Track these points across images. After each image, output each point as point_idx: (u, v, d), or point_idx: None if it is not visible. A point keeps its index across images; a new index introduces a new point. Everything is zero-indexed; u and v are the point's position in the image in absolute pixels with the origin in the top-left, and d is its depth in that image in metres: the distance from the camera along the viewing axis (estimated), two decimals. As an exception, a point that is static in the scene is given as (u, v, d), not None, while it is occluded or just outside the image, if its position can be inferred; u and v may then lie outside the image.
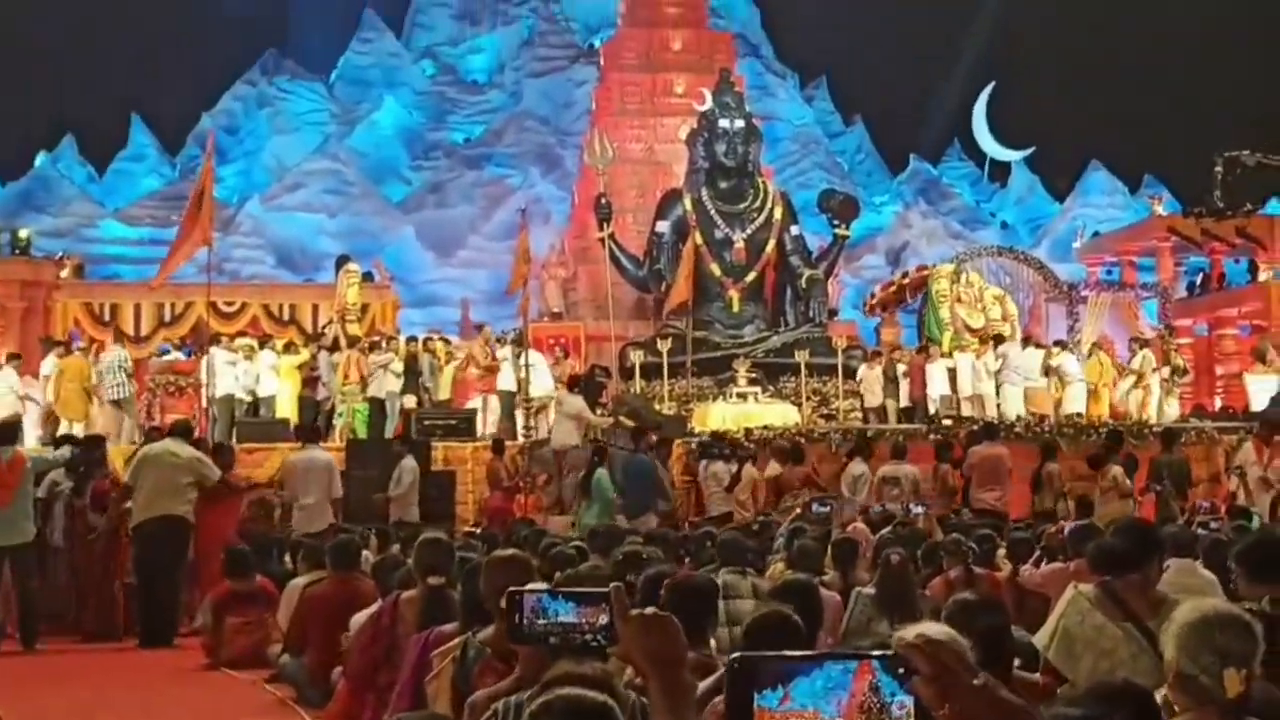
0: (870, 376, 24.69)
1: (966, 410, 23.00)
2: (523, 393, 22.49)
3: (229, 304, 29.56)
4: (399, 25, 58.44)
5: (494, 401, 22.89)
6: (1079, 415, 22.93)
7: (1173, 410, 25.50)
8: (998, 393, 23.52)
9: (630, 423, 19.63)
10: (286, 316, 30.03)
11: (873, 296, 32.28)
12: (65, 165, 49.95)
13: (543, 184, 47.87)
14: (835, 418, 24.42)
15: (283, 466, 16.44)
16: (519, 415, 22.62)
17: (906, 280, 30.53)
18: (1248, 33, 65.09)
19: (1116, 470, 16.99)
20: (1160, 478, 17.59)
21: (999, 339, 24.94)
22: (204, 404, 22.56)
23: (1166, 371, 25.64)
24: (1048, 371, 24.04)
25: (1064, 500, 16.65)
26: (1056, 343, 25.72)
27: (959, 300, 27.16)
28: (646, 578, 5.36)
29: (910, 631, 2.32)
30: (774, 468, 17.65)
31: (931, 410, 23.32)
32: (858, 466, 17.63)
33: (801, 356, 25.32)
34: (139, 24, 60.72)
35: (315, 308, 30.00)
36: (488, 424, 22.52)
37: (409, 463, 17.41)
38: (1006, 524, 14.04)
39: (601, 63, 38.04)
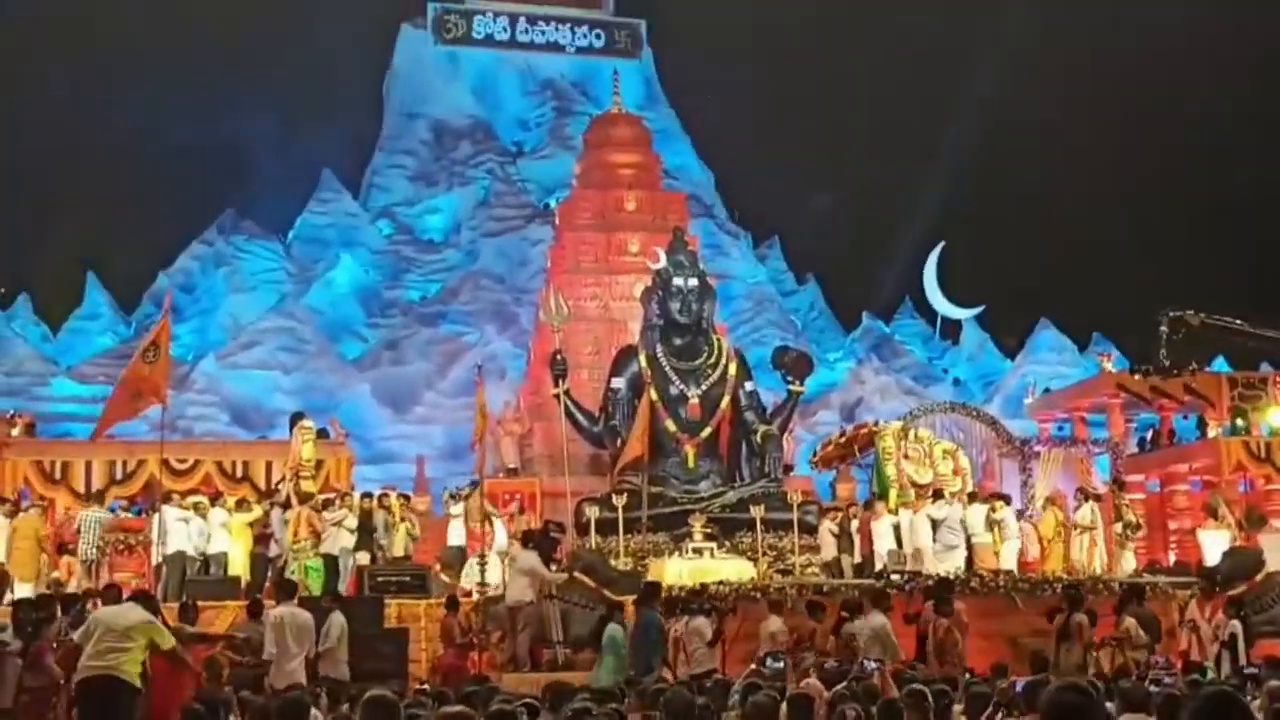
0: (824, 531, 24.87)
1: (912, 565, 23.16)
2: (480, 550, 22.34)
3: (181, 461, 29.32)
4: (356, 186, 59.05)
5: (493, 557, 22.74)
6: (1008, 571, 23.16)
7: (1128, 564, 25.65)
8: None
9: (586, 579, 19.52)
10: (240, 474, 29.77)
11: (816, 453, 32.38)
12: (19, 324, 49.80)
13: (498, 341, 48.07)
14: (791, 573, 24.37)
15: (271, 624, 16.26)
16: (474, 571, 22.45)
17: (849, 437, 30.62)
18: (1190, 194, 66.76)
19: (1130, 623, 17.14)
20: (1082, 631, 17.60)
21: (937, 494, 25.15)
22: (153, 562, 22.32)
23: (1119, 527, 25.84)
24: (991, 526, 24.26)
25: (1092, 651, 16.69)
26: (998, 496, 25.97)
27: (906, 457, 27.27)
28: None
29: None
30: (776, 622, 17.50)
31: (879, 566, 23.48)
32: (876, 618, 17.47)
33: (757, 512, 25.36)
34: (95, 183, 61.20)
35: (269, 465, 29.76)
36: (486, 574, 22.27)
37: (337, 618, 17.20)
38: (961, 679, 13.98)
39: (557, 222, 38.54)
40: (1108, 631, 17.92)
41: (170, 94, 63.72)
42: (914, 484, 26.69)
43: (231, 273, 52.05)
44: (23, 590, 21.68)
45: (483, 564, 21.49)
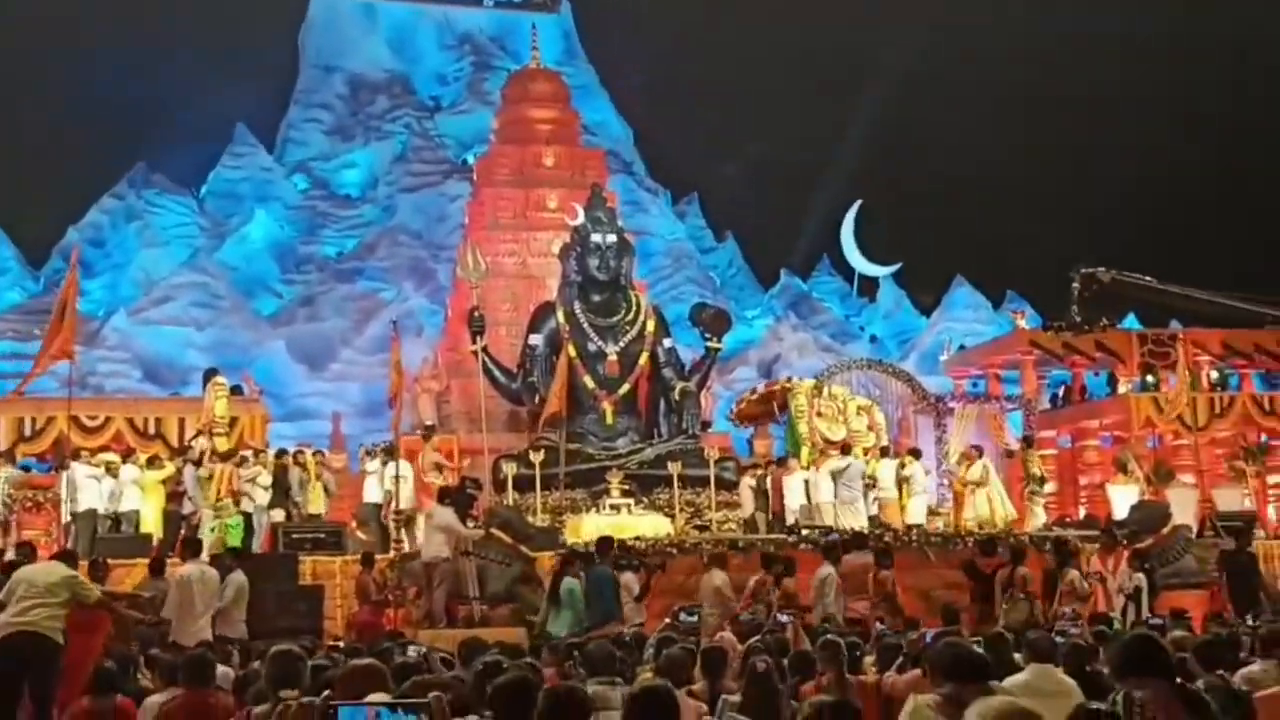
0: (744, 487, 25.07)
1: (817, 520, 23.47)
2: (392, 505, 22.25)
3: (92, 418, 28.91)
4: (271, 140, 58.37)
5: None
6: (919, 525, 23.44)
7: (1038, 520, 26.00)
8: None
9: (502, 535, 19.52)
10: (152, 431, 29.41)
11: (734, 409, 32.51)
12: (-77, 279, 48.86)
13: (416, 298, 47.80)
14: (708, 529, 24.51)
15: (177, 581, 16.06)
16: (389, 528, 22.38)
17: (766, 392, 30.69)
18: (1106, 148, 67.55)
19: (1074, 575, 17.46)
20: (1025, 584, 17.88)
21: (845, 449, 25.36)
22: (63, 519, 22.04)
23: (1028, 482, 26.20)
24: (900, 482, 24.57)
25: (1036, 603, 17.05)
26: (910, 451, 26.25)
27: (819, 414, 27.36)
28: (496, 686, 5.30)
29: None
30: (719, 576, 17.53)
31: (789, 521, 23.74)
32: (718, 577, 17.63)
33: (675, 468, 25.47)
34: (2, 137, 59.97)
35: (181, 421, 29.43)
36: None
37: (236, 577, 17.01)
38: (874, 631, 14.15)
39: (475, 178, 38.29)
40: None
41: (80, 44, 62.43)
42: (826, 441, 26.87)
43: (143, 227, 51.30)
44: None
45: (398, 521, 21.43)
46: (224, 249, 50.85)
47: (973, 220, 66.85)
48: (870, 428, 27.79)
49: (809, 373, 38.88)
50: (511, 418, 30.81)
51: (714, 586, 17.41)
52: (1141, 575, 18.58)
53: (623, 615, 17.11)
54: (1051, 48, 69.08)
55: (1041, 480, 27.17)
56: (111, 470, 22.48)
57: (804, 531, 22.19)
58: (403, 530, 22.34)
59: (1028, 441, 28.23)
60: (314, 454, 25.23)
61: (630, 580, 17.88)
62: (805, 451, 26.69)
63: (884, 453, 25.97)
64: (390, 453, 23.52)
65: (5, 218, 52.10)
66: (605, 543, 18.47)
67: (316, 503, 23.89)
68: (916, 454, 26.25)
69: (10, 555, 16.64)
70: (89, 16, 62.99)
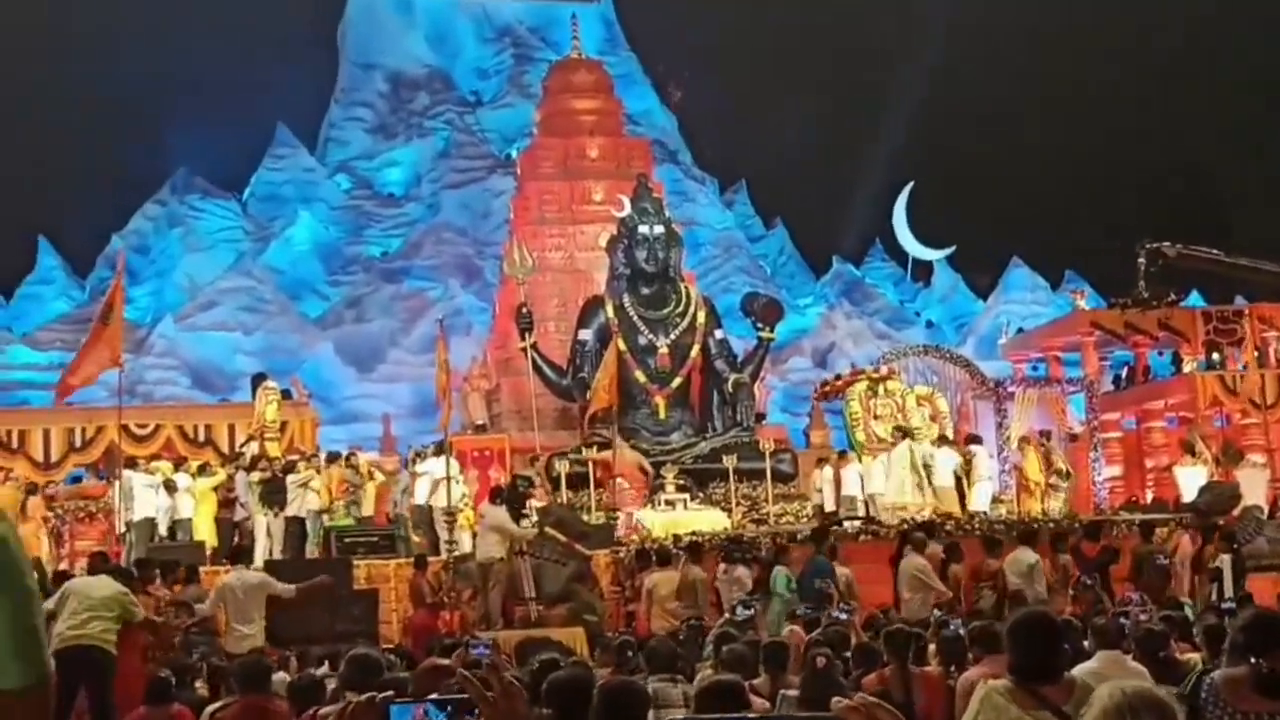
0: (819, 479, 25.27)
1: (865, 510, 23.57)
2: (445, 506, 22.36)
3: (142, 426, 29.23)
4: (313, 141, 58.71)
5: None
6: (982, 513, 23.30)
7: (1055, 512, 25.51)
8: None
9: (557, 534, 19.57)
10: (202, 438, 29.73)
11: (817, 388, 32.19)
12: (-30, 291, 49.51)
13: (463, 295, 47.99)
14: (765, 522, 24.49)
15: (217, 588, 16.15)
16: (441, 529, 22.49)
17: (851, 376, 30.20)
18: (1165, 123, 66.89)
19: (1065, 558, 17.43)
20: (1091, 569, 17.77)
21: (905, 433, 25.19)
22: (117, 530, 22.30)
23: (1049, 474, 25.92)
24: (963, 470, 24.43)
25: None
26: (970, 438, 26.04)
27: (876, 417, 27.06)
28: (551, 682, 5.33)
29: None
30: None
31: (842, 512, 23.85)
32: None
33: (730, 461, 25.49)
34: (43, 146, 60.60)
35: (231, 428, 29.73)
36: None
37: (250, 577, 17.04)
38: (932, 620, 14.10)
39: (519, 172, 38.35)
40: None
41: (117, 49, 62.97)
42: (882, 441, 26.61)
43: (187, 233, 51.75)
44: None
45: (449, 521, 21.56)
46: (269, 252, 51.24)
47: (1029, 199, 66.42)
48: (933, 418, 27.45)
49: (864, 361, 38.80)
50: (563, 415, 30.86)
51: (912, 571, 17.32)
52: (1227, 557, 18.35)
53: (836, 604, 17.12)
54: (1110, 17, 68.44)
55: (1067, 474, 26.81)
56: (167, 480, 22.74)
57: (844, 523, 22.34)
58: (455, 531, 22.46)
59: (1045, 435, 27.83)
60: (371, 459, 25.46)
61: (743, 575, 17.75)
62: (861, 450, 26.57)
63: (942, 440, 25.80)
64: (440, 452, 23.62)
65: (50, 227, 52.84)
66: (820, 531, 18.57)
67: (370, 506, 24.07)
68: (976, 440, 26.08)
69: (64, 566, 16.89)
70: (125, 22, 63.52)
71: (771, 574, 17.20)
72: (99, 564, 14.79)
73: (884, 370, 29.10)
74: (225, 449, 29.01)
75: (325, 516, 22.91)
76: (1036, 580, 17.07)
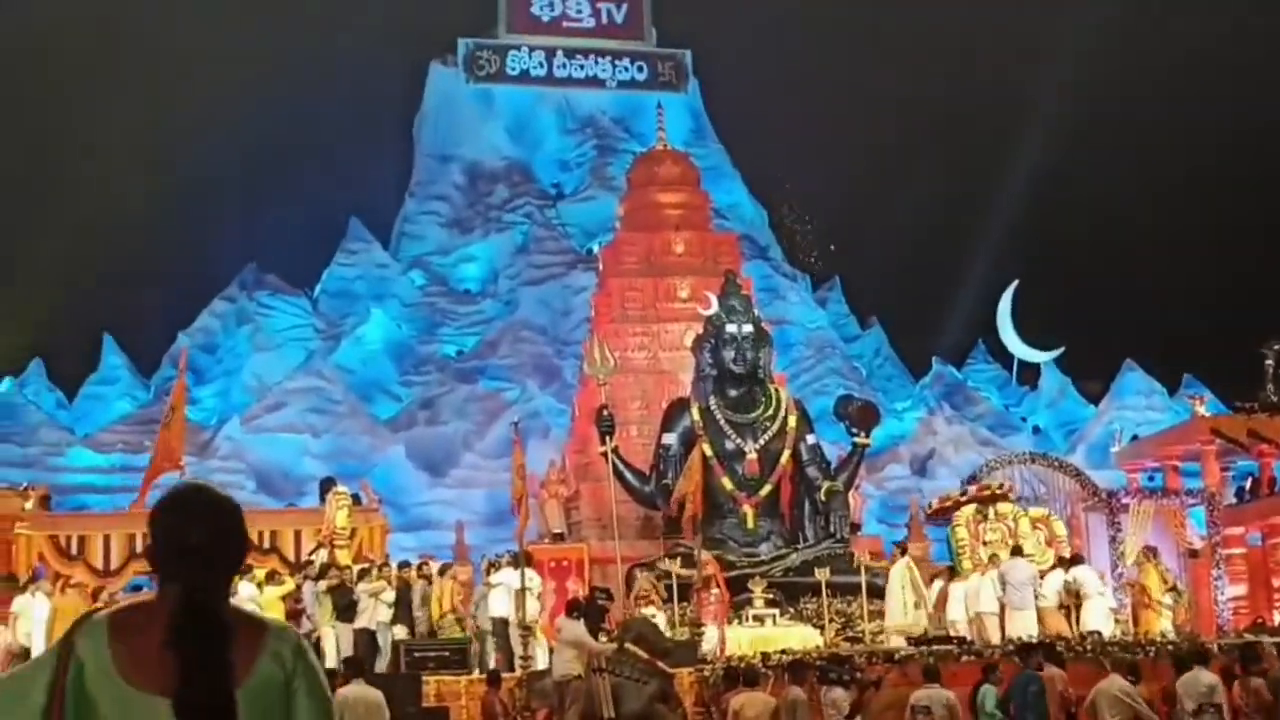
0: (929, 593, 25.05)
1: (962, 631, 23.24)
2: (520, 619, 22.36)
3: (204, 533, 29.43)
4: (386, 236, 59.52)
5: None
6: (1095, 633, 22.87)
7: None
8: (1002, 613, 23.62)
9: (637, 649, 19.45)
10: (267, 544, 29.92)
11: (932, 505, 31.69)
12: (32, 390, 50.39)
13: (541, 397, 48.22)
14: (860, 640, 24.24)
15: (335, 703, 16.12)
16: (516, 644, 22.48)
17: (971, 496, 29.74)
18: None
19: (1258, 682, 16.97)
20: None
21: (994, 559, 24.87)
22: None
23: (1164, 594, 25.40)
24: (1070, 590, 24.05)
25: None
26: (1072, 559, 25.61)
27: (984, 543, 26.55)
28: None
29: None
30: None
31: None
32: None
33: (822, 575, 25.32)
34: (109, 242, 61.93)
35: (298, 534, 29.97)
36: None
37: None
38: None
39: (600, 268, 38.72)
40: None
41: (189, 142, 64.48)
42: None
43: (255, 330, 52.49)
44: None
45: (525, 635, 21.55)
46: (339, 351, 51.80)
47: (1142, 299, 65.88)
48: (1049, 542, 26.79)
49: (966, 468, 38.47)
50: (645, 523, 30.85)
51: (1115, 692, 17.04)
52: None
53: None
54: (1221, 107, 68.15)
55: (1179, 592, 26.28)
56: (232, 587, 22.94)
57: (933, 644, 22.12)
58: (530, 645, 22.43)
59: (1150, 551, 27.29)
60: (440, 567, 25.52)
61: (840, 698, 17.53)
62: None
63: (1061, 563, 25.34)
64: (516, 564, 23.65)
65: (115, 325, 53.82)
66: (1031, 646, 18.39)
67: (436, 613, 24.12)
68: (1077, 560, 25.66)
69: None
70: (195, 109, 65.05)
71: (979, 693, 16.93)
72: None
73: (1003, 485, 28.53)
74: (291, 557, 29.21)
75: (395, 629, 22.99)
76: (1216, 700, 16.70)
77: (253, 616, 3.53)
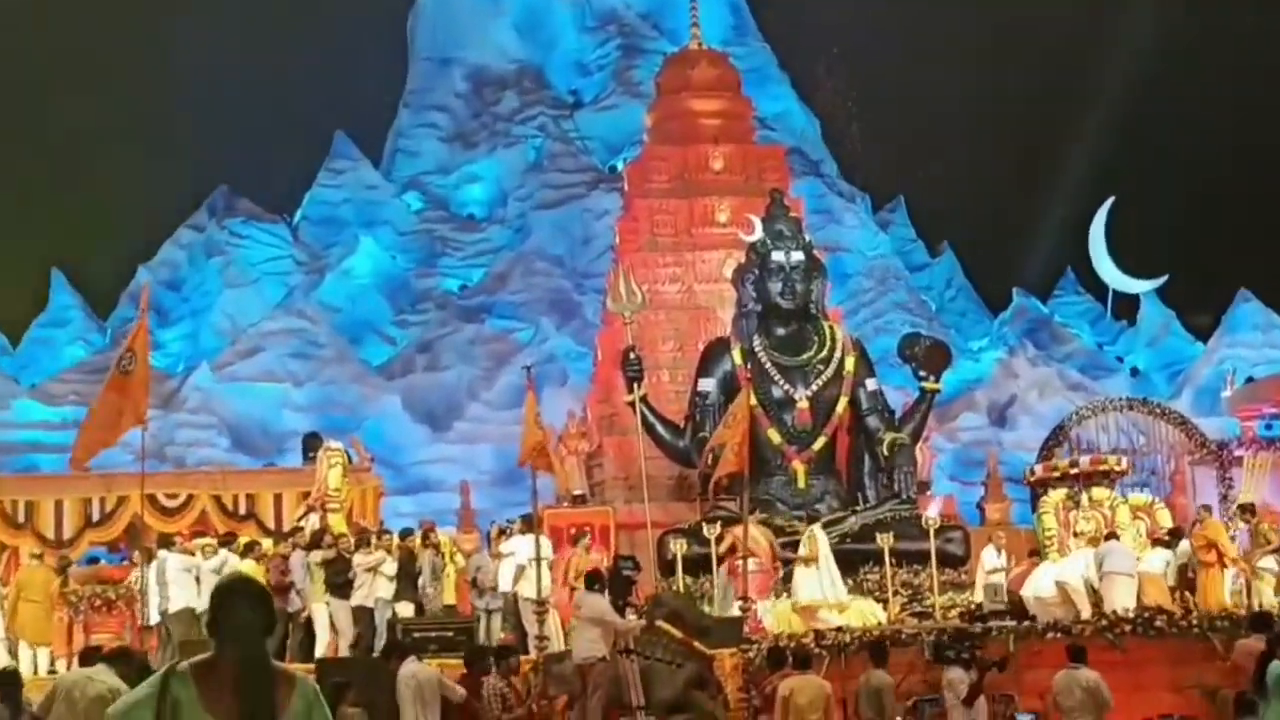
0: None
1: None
2: (534, 595, 22.39)
3: (171, 497, 29.62)
4: (377, 153, 59.45)
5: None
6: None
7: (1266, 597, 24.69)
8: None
9: (671, 628, 19.48)
10: (243, 510, 30.06)
11: (1033, 472, 31.29)
12: (-30, 334, 50.67)
13: (557, 337, 48.24)
14: (930, 615, 24.25)
15: (404, 681, 16.63)
16: (530, 623, 22.51)
17: (1079, 472, 29.33)
18: None
19: None
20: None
21: (1110, 535, 24.73)
22: (140, 621, 22.55)
23: (1270, 560, 25.10)
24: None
25: None
26: (1173, 533, 25.40)
27: (1075, 534, 26.20)
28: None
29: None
30: None
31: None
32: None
33: (885, 541, 25.26)
34: (58, 164, 61.98)
35: (278, 498, 30.05)
36: None
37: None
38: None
39: (626, 188, 38.60)
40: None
41: (147, 45, 64.45)
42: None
43: (226, 264, 52.54)
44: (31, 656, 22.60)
45: (540, 613, 21.57)
46: (324, 286, 51.83)
47: (1259, 219, 65.42)
48: (1152, 536, 26.32)
49: (1054, 417, 38.36)
50: (679, 483, 30.87)
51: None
52: None
53: None
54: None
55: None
56: (210, 556, 23.03)
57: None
58: (547, 625, 22.46)
59: (1246, 510, 26.80)
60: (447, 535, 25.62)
61: (957, 679, 17.52)
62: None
63: (1170, 538, 25.13)
64: (530, 529, 23.66)
65: (66, 260, 53.85)
66: (1266, 619, 18.25)
67: (450, 593, 24.14)
68: (1178, 534, 25.46)
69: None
70: (159, 11, 64.95)
71: (1269, 669, 16.76)
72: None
73: (1120, 461, 28.10)
74: (270, 523, 29.30)
75: (398, 606, 23.06)
76: None
77: (286, 670, 5.66)
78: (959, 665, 17.74)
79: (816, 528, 25.51)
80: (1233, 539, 27.31)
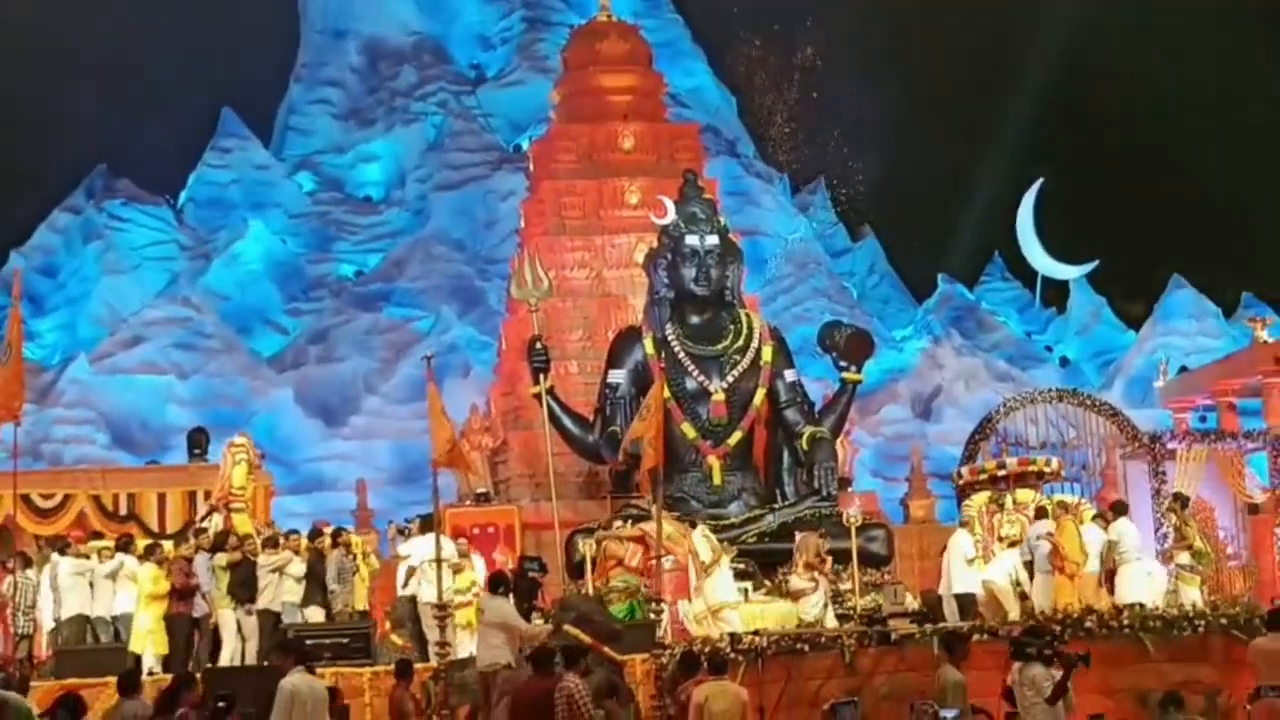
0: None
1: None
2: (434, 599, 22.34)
3: (47, 497, 29.31)
4: (267, 130, 59.11)
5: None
6: (1134, 605, 22.95)
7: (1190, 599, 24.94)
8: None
9: (579, 633, 19.50)
10: (124, 510, 29.80)
11: (960, 474, 31.27)
12: None
13: (459, 327, 48.16)
14: (850, 618, 24.38)
15: (281, 694, 15.66)
16: (430, 628, 22.47)
17: (1008, 473, 29.37)
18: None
19: None
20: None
21: (1040, 512, 24.95)
22: (15, 630, 22.38)
23: (1185, 556, 25.35)
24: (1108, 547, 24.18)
25: None
26: (1114, 506, 25.58)
27: (998, 539, 26.24)
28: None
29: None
30: None
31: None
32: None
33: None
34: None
35: (162, 498, 29.83)
36: None
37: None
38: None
39: (531, 168, 38.53)
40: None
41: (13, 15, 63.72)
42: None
43: (106, 248, 52.11)
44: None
45: (441, 618, 21.51)
46: (210, 272, 51.54)
47: (1193, 203, 66.11)
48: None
49: (980, 408, 38.65)
50: (588, 480, 30.88)
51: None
52: None
53: None
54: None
55: (1203, 555, 26.03)
56: (104, 559, 22.85)
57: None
58: (449, 630, 22.42)
59: (1181, 503, 27.04)
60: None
61: (1039, 676, 17.45)
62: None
63: (1106, 515, 25.33)
64: (428, 528, 23.59)
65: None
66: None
67: (361, 598, 24.05)
68: (1120, 509, 25.63)
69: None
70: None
71: None
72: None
73: (1050, 462, 28.19)
74: (154, 525, 29.08)
75: (307, 611, 22.94)
76: None
77: None
78: (1040, 662, 17.70)
79: (703, 528, 25.46)
80: (1164, 535, 27.68)
